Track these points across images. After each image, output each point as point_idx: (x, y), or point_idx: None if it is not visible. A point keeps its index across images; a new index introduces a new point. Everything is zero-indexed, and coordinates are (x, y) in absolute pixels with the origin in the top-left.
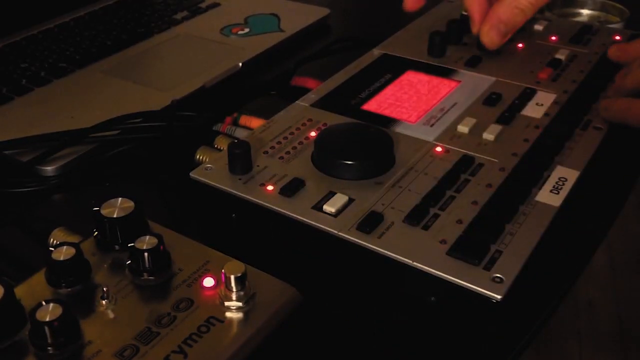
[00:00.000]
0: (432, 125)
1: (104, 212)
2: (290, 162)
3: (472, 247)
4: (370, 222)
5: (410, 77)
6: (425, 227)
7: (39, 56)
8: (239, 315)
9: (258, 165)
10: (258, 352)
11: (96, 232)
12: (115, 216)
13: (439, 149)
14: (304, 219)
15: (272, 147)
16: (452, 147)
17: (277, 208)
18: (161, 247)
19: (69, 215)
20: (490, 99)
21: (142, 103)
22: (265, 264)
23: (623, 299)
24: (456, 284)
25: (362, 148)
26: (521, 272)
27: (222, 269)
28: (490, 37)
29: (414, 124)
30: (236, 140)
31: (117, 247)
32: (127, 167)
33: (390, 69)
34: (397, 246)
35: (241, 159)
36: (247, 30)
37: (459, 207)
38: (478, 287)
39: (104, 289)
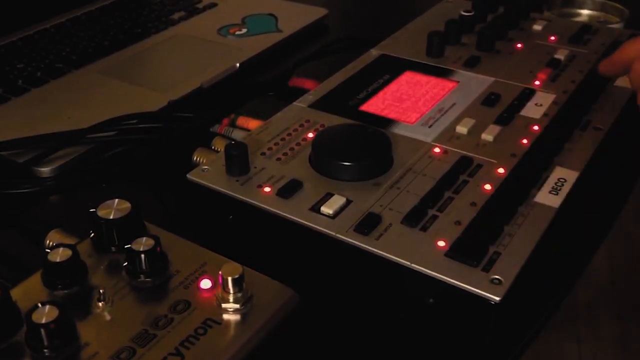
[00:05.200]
0: (430, 126)
1: (100, 213)
2: (288, 163)
3: (470, 249)
4: (368, 224)
5: (409, 78)
6: (424, 229)
7: (36, 57)
8: (237, 317)
9: (255, 167)
10: (255, 354)
11: (93, 234)
12: (112, 217)
13: (437, 149)
14: (302, 221)
15: (270, 149)
16: (451, 148)
17: (274, 210)
18: (158, 249)
19: (65, 217)
20: (489, 99)
21: (139, 104)
22: (263, 266)
23: (623, 299)
24: (455, 285)
25: (360, 149)
26: (520, 273)
27: (220, 270)
28: None
29: (413, 124)
30: (233, 142)
31: (113, 248)
32: (124, 168)
33: (388, 70)
34: (396, 248)
35: (238, 161)
36: (244, 30)
37: (458, 208)
38: (477, 288)
39: (101, 290)
